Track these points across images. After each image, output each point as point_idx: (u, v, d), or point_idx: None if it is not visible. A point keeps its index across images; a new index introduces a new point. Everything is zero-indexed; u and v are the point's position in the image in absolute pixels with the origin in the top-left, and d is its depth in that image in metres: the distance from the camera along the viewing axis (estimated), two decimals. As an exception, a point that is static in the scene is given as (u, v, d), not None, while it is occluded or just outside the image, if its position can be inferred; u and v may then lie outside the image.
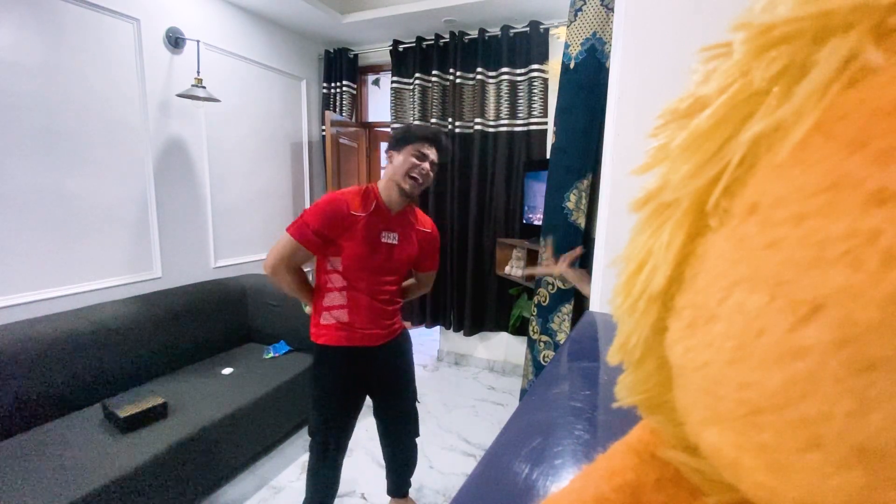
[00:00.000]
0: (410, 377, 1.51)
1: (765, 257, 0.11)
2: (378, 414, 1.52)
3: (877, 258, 0.09)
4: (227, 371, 2.02)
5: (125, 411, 1.52)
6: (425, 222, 1.43)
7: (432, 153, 1.29)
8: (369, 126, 3.33)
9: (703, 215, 0.13)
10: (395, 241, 1.31)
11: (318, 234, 1.22)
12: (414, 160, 1.26)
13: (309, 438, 1.42)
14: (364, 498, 1.76)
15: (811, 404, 0.10)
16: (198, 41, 2.16)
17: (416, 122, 1.34)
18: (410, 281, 1.52)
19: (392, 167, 1.29)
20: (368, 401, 1.48)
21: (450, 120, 2.76)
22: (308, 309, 1.40)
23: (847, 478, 0.09)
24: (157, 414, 1.58)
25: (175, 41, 2.14)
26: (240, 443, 1.75)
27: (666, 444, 0.18)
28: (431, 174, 1.30)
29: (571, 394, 0.44)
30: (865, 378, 0.09)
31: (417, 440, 1.59)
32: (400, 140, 1.28)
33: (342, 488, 1.56)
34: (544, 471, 0.29)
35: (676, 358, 0.14)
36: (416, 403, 1.56)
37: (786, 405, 0.10)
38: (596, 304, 1.01)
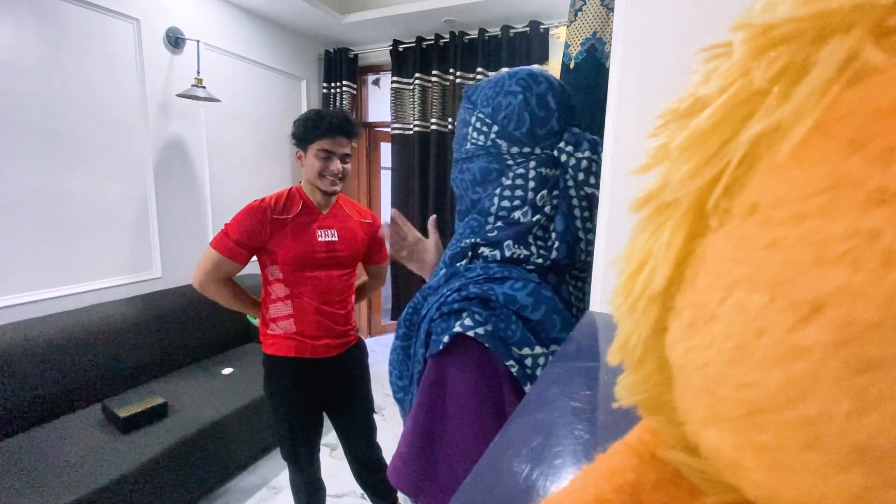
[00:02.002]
0: (367, 389, 1.46)
1: (765, 257, 0.11)
2: (337, 429, 1.46)
3: (877, 258, 0.09)
4: (227, 371, 2.02)
5: (125, 411, 1.52)
6: (364, 213, 1.39)
7: (339, 146, 1.21)
8: (369, 126, 3.33)
9: (703, 215, 0.13)
10: (335, 238, 1.27)
11: (239, 244, 1.21)
12: (318, 162, 1.20)
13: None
14: (364, 498, 1.76)
15: (811, 404, 0.10)
16: (198, 41, 2.16)
17: (315, 111, 1.23)
18: (363, 279, 1.49)
19: (304, 169, 1.25)
20: None
21: (450, 120, 2.76)
22: (256, 321, 1.36)
23: (847, 478, 0.09)
24: (157, 414, 1.58)
25: (175, 41, 2.14)
26: (240, 443, 1.75)
27: (666, 444, 0.18)
28: (346, 166, 1.24)
29: (571, 394, 0.44)
30: (865, 378, 0.09)
31: (382, 445, 1.53)
32: (301, 139, 1.22)
33: (341, 488, 1.56)
34: (544, 471, 0.29)
35: (676, 358, 0.14)
36: (374, 415, 1.50)
37: (786, 405, 0.10)
38: (596, 304, 1.01)
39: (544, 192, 0.52)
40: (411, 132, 2.88)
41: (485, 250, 0.53)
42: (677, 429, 0.16)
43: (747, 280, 0.11)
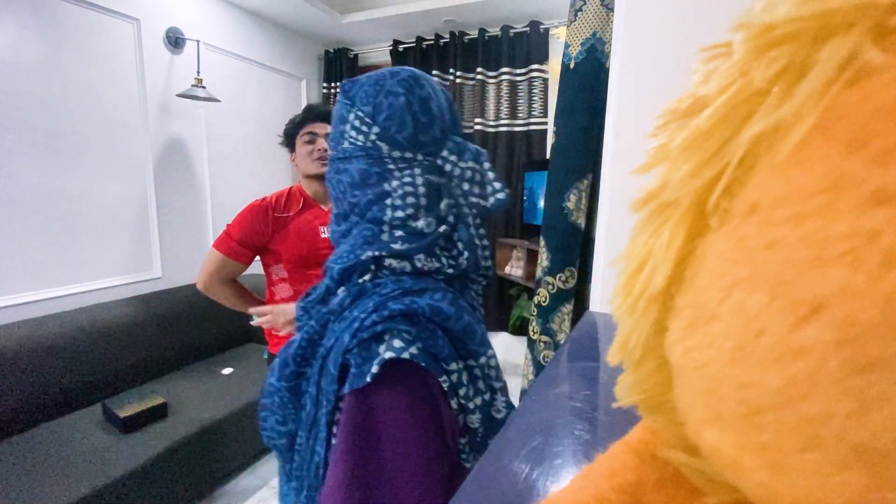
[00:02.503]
0: None
1: (765, 257, 0.11)
2: None
3: (877, 258, 0.09)
4: (227, 371, 2.02)
5: (125, 411, 1.52)
6: None
7: (319, 128, 1.24)
8: (369, 126, 3.34)
9: (703, 215, 0.13)
10: None
11: (242, 244, 1.21)
12: (308, 146, 1.23)
13: None
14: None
15: (811, 404, 0.10)
16: (198, 41, 2.16)
17: (305, 106, 1.29)
18: None
19: (297, 164, 1.28)
20: None
21: (450, 120, 2.76)
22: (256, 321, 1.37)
23: (847, 478, 0.09)
24: (157, 414, 1.58)
25: (175, 41, 2.14)
26: (240, 443, 1.75)
27: (666, 444, 0.18)
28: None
29: (571, 394, 0.44)
30: (865, 378, 0.09)
31: None
32: (289, 135, 1.27)
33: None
34: (544, 471, 0.29)
35: (676, 358, 0.14)
36: None
37: (786, 405, 0.10)
38: (596, 304, 1.01)
39: (448, 201, 0.50)
40: (411, 132, 2.88)
41: (392, 262, 0.48)
42: (677, 429, 0.16)
43: (747, 280, 0.11)
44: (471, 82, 2.72)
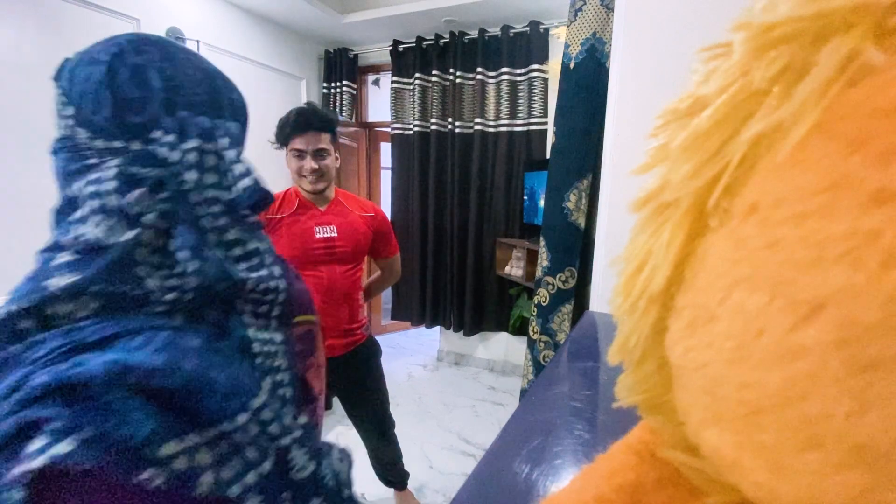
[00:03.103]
0: (378, 385, 1.45)
1: (765, 257, 0.11)
2: (350, 418, 1.49)
3: (877, 258, 0.09)
4: (227, 371, 2.02)
5: (125, 411, 1.52)
6: (367, 206, 1.36)
7: (310, 143, 1.18)
8: (369, 126, 3.33)
9: (703, 215, 0.13)
10: (335, 234, 1.25)
11: None
12: (294, 162, 1.20)
13: None
14: (363, 497, 1.76)
15: (811, 404, 0.10)
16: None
17: (294, 110, 1.21)
18: (375, 276, 1.49)
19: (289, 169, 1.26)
20: None
21: (450, 120, 2.76)
22: None
23: (847, 478, 0.09)
24: (157, 414, 1.58)
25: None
26: (240, 443, 1.75)
27: (666, 444, 0.18)
28: (321, 163, 1.20)
29: (571, 394, 0.44)
30: (865, 378, 0.09)
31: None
32: (279, 142, 1.22)
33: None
34: (544, 471, 0.29)
35: (676, 358, 0.14)
36: (387, 408, 1.50)
37: (786, 405, 0.10)
38: (596, 304, 1.01)
39: (139, 192, 0.34)
40: (411, 132, 2.87)
41: (58, 310, 0.33)
42: (677, 429, 0.16)
43: (747, 280, 0.11)
44: (471, 82, 2.72)
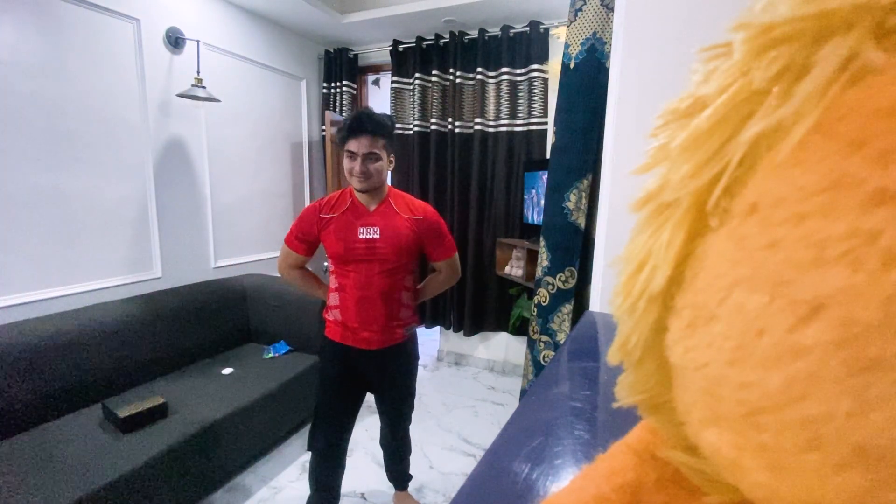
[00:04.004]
0: (406, 385, 1.52)
1: (765, 257, 0.11)
2: (377, 407, 1.56)
3: (877, 258, 0.09)
4: (227, 371, 2.02)
5: (125, 411, 1.52)
6: (416, 209, 1.40)
7: (360, 145, 1.25)
8: (369, 126, 3.33)
9: (703, 215, 0.13)
10: (377, 235, 1.31)
11: (297, 238, 1.37)
12: (346, 162, 1.28)
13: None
14: (364, 498, 1.76)
15: (811, 404, 0.10)
16: (198, 41, 2.16)
17: (351, 114, 1.28)
18: (429, 277, 1.54)
19: None
20: (370, 404, 1.49)
21: (450, 120, 2.76)
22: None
23: (847, 478, 0.09)
24: (157, 414, 1.58)
25: (175, 41, 2.14)
26: (240, 443, 1.75)
27: (666, 444, 0.18)
28: (370, 167, 1.27)
29: (571, 394, 0.44)
30: (865, 378, 0.09)
31: (410, 427, 1.65)
32: (338, 140, 1.31)
33: (342, 489, 1.56)
34: (544, 471, 0.29)
35: (676, 358, 0.14)
36: (409, 407, 1.57)
37: (786, 405, 0.10)
38: (596, 304, 1.01)
39: None
40: (411, 132, 2.88)
41: None
42: (677, 429, 0.16)
43: (747, 280, 0.11)
44: (471, 82, 2.72)
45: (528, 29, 2.53)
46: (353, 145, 1.25)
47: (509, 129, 2.65)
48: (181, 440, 1.51)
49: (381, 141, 1.27)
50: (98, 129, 1.88)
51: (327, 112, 2.86)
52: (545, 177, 1.85)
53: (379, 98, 3.59)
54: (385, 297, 1.34)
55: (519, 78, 2.60)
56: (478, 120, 2.68)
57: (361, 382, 1.45)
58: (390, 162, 1.35)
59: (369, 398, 1.52)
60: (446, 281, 1.53)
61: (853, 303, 0.09)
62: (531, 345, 1.86)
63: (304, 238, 1.37)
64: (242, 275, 2.49)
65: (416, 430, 2.25)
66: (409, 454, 1.68)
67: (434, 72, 2.76)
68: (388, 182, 1.47)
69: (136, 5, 1.97)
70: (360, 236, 1.31)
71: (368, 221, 1.32)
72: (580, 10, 1.52)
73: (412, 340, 1.49)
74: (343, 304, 1.35)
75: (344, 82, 3.04)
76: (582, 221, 1.69)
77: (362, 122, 1.25)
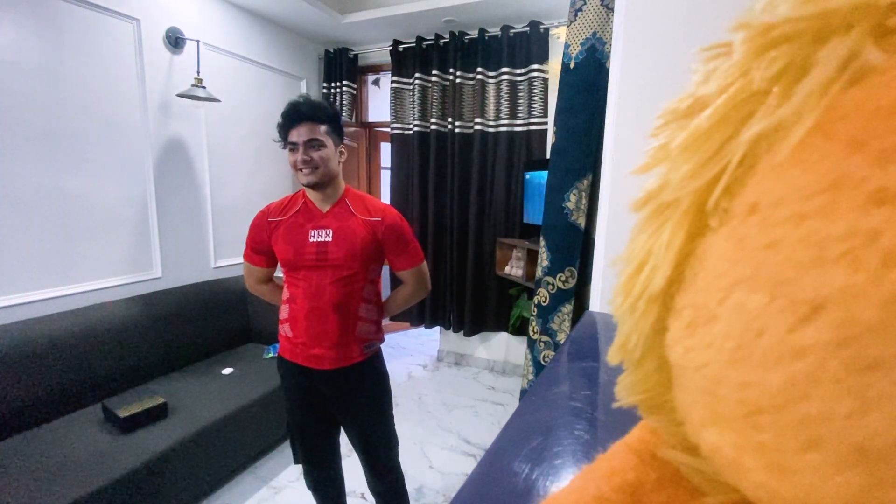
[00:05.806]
0: (375, 414, 1.29)
1: (765, 257, 0.11)
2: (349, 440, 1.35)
3: (877, 258, 0.09)
4: (227, 371, 2.02)
5: (125, 411, 1.52)
6: (374, 210, 1.23)
7: (300, 134, 1.13)
8: (369, 126, 3.33)
9: (703, 215, 0.13)
10: (329, 238, 1.18)
11: (253, 250, 1.27)
12: (290, 156, 1.16)
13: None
14: (364, 498, 1.76)
15: (811, 404, 0.10)
16: (198, 41, 2.16)
17: (288, 104, 1.18)
18: (395, 290, 1.36)
19: None
20: None
21: (450, 120, 2.76)
22: None
23: (847, 478, 0.09)
24: (157, 414, 1.58)
25: (175, 41, 2.14)
26: (240, 443, 1.75)
27: (666, 444, 0.18)
28: (313, 154, 1.14)
29: (571, 394, 0.44)
30: (865, 378, 0.09)
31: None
32: (281, 138, 1.19)
33: (342, 488, 1.55)
34: (544, 471, 0.29)
35: (676, 358, 0.14)
36: (386, 427, 1.33)
37: (786, 405, 0.10)
38: (596, 304, 1.01)
39: None
40: (411, 132, 2.88)
41: None
42: (677, 429, 0.16)
43: (747, 280, 0.11)
44: (471, 82, 2.72)
45: (528, 29, 2.53)
46: (293, 135, 1.14)
47: (509, 129, 2.65)
48: (181, 440, 1.51)
49: (321, 127, 1.15)
50: (98, 129, 1.88)
51: (327, 112, 2.86)
52: (545, 177, 1.85)
53: (379, 98, 3.59)
54: (339, 309, 1.17)
55: (519, 78, 2.60)
56: (478, 120, 2.68)
57: (322, 408, 1.29)
58: (341, 153, 1.21)
59: None
60: (413, 294, 1.34)
61: (853, 303, 0.09)
62: (531, 345, 1.86)
63: (259, 249, 1.25)
64: (242, 275, 2.49)
65: (416, 430, 2.25)
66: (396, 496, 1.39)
67: (434, 72, 2.76)
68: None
69: (136, 5, 1.97)
70: (311, 240, 1.17)
71: (320, 224, 1.18)
72: (580, 10, 1.52)
73: (377, 359, 1.29)
74: (292, 316, 1.19)
75: (344, 82, 3.04)
76: (582, 221, 1.69)
77: (298, 109, 1.13)
